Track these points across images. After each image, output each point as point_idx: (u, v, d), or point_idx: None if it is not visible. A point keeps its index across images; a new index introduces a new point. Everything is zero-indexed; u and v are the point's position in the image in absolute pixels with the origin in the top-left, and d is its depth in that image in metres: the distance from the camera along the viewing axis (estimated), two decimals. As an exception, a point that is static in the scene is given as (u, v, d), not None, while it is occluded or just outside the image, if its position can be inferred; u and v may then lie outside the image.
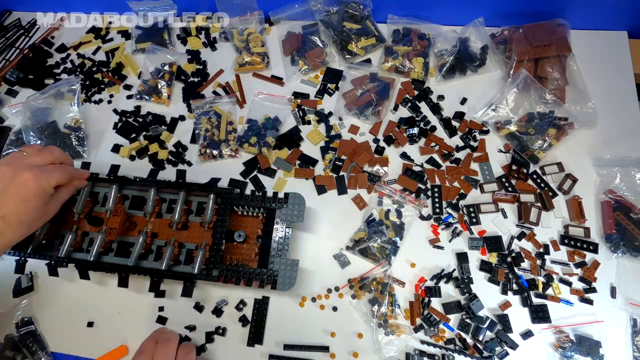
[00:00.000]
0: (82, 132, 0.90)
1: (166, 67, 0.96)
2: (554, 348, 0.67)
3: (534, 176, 0.80)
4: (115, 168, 0.85)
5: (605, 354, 0.66)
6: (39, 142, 0.88)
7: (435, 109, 0.88)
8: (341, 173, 0.83)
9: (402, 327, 0.69)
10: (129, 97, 0.96)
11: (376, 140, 0.86)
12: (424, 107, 0.89)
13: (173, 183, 0.73)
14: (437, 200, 0.79)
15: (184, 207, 0.72)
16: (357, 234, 0.75)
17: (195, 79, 0.97)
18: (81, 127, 0.90)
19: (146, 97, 0.93)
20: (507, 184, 0.80)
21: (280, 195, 0.70)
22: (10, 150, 0.90)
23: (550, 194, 0.78)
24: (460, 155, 0.83)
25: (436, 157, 0.84)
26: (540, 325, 0.69)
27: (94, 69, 1.00)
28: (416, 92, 0.90)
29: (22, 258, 0.72)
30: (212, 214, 0.71)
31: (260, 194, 0.70)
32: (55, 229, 0.73)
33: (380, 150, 0.84)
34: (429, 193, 0.80)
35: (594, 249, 0.73)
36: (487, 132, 0.84)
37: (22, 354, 0.72)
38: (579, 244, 0.74)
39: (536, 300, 0.71)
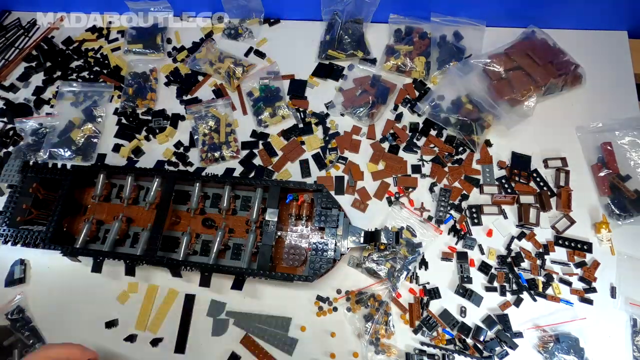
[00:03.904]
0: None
1: (147, 72, 0.96)
2: (537, 348, 0.67)
3: (534, 175, 0.80)
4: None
5: (585, 348, 0.66)
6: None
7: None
8: (342, 174, 0.83)
9: (394, 348, 0.68)
10: (119, 96, 0.96)
11: (382, 140, 0.86)
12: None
13: (250, 179, 0.75)
14: (442, 203, 0.78)
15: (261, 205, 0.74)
16: (367, 249, 0.74)
17: (192, 80, 0.97)
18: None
19: (130, 103, 0.93)
20: (506, 186, 0.80)
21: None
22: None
23: (549, 193, 0.78)
24: (462, 155, 0.84)
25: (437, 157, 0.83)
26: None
27: (95, 69, 1.00)
28: (417, 93, 0.90)
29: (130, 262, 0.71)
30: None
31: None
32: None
33: (394, 150, 0.84)
34: (436, 194, 0.79)
35: (588, 248, 0.73)
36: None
37: (20, 341, 0.71)
38: (572, 244, 0.74)
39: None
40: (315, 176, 0.83)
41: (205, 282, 0.69)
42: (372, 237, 0.69)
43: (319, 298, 0.72)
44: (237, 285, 0.70)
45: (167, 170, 0.77)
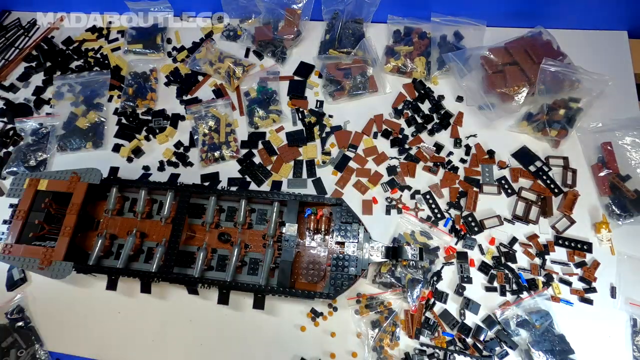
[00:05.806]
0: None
1: (147, 72, 0.96)
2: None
3: (540, 173, 0.80)
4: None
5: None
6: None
7: (438, 108, 0.88)
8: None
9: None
10: (119, 96, 0.96)
11: (375, 135, 0.86)
12: (425, 108, 0.89)
13: (268, 193, 0.74)
14: (432, 205, 0.78)
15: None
16: (385, 265, 0.73)
17: (192, 79, 0.97)
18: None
19: (130, 103, 0.93)
20: (506, 186, 0.80)
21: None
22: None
23: (557, 190, 0.78)
24: (465, 157, 0.84)
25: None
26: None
27: (95, 69, 1.00)
28: (417, 93, 0.90)
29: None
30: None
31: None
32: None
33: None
34: (425, 198, 0.79)
35: (588, 248, 0.73)
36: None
37: (18, 344, 0.72)
38: (572, 244, 0.74)
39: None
40: (306, 176, 0.84)
41: (223, 300, 0.68)
42: (394, 253, 0.67)
43: (313, 311, 0.72)
44: (258, 304, 0.68)
45: (182, 184, 0.76)
